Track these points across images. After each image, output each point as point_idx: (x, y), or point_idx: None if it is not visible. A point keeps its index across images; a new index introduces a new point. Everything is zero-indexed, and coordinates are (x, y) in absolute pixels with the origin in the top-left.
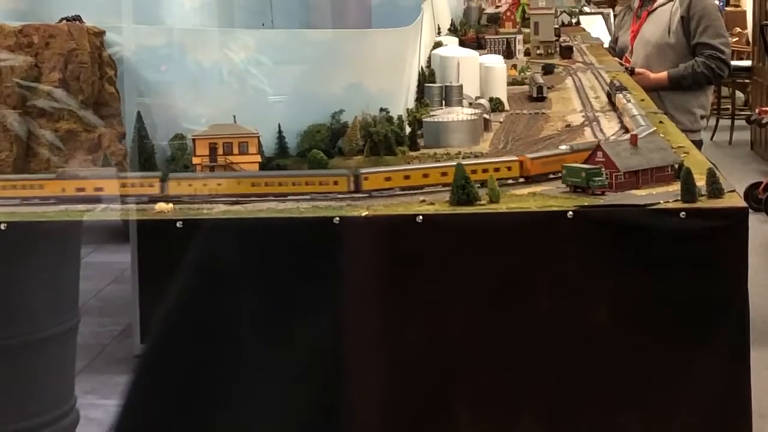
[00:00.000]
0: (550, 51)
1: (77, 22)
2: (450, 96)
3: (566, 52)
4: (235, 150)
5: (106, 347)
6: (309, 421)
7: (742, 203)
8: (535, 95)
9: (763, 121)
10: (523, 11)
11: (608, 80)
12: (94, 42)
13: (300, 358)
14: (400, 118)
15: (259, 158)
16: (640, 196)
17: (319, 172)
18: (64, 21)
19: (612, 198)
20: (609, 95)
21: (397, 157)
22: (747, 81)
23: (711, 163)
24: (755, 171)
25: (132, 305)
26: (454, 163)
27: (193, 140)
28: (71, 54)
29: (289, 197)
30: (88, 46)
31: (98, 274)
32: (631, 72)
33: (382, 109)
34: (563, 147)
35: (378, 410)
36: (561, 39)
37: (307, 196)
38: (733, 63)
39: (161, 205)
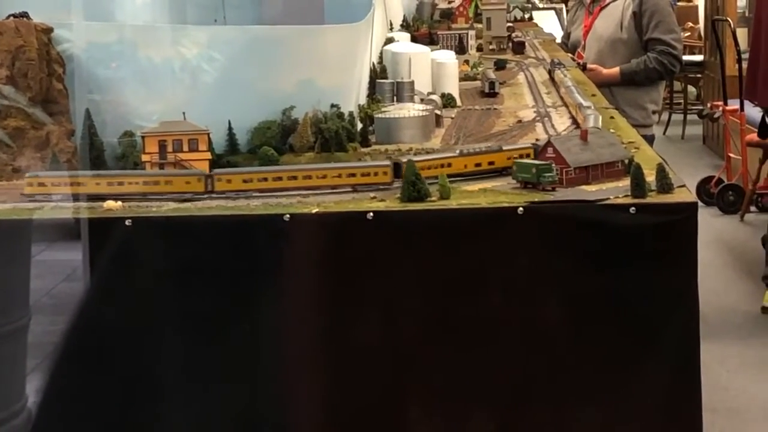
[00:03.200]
0: (502, 46)
1: (25, 19)
2: (401, 92)
3: (518, 48)
4: (185, 147)
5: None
6: (259, 419)
7: (692, 198)
8: (487, 91)
9: (715, 116)
10: (476, 7)
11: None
12: (42, 39)
13: (251, 356)
14: (351, 114)
15: (209, 155)
16: (590, 191)
17: (172, 172)
18: (11, 17)
19: (562, 194)
20: (549, 72)
21: (348, 153)
22: (699, 76)
23: (661, 158)
24: (707, 165)
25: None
26: (309, 167)
27: (143, 137)
28: (19, 51)
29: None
30: (35, 43)
31: (50, 272)
32: (584, 68)
33: (333, 106)
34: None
35: (329, 407)
36: (513, 34)
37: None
38: (685, 58)
39: (110, 203)
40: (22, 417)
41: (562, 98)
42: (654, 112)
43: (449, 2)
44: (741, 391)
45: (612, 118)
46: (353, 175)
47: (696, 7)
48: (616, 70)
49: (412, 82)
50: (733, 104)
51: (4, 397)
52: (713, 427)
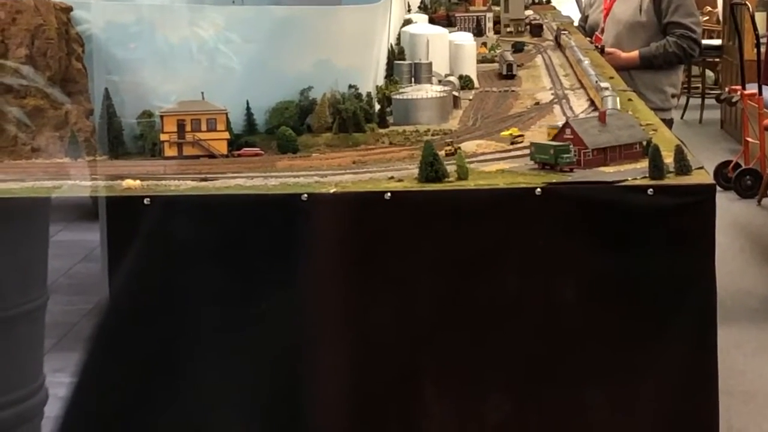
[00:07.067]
0: (520, 29)
1: None
2: (419, 73)
3: (536, 30)
4: (204, 127)
5: (76, 325)
6: (277, 397)
7: (710, 180)
8: (504, 73)
9: (733, 100)
10: None
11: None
12: (61, 18)
13: (268, 335)
14: (369, 95)
15: (227, 135)
16: (608, 173)
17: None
18: None
19: (580, 175)
20: (556, 38)
21: (366, 134)
22: (717, 60)
23: (679, 140)
24: (725, 149)
25: (102, 283)
26: None
27: (161, 117)
28: (38, 30)
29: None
30: (55, 22)
31: (68, 252)
32: (602, 51)
33: (350, 86)
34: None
35: (346, 386)
36: (531, 17)
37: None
38: (704, 42)
39: (129, 182)
40: (39, 396)
41: (580, 81)
42: (673, 96)
43: None
44: (757, 375)
45: (630, 100)
46: None
47: None
48: (634, 53)
49: (430, 64)
50: (752, 88)
51: (22, 375)
52: (729, 411)
